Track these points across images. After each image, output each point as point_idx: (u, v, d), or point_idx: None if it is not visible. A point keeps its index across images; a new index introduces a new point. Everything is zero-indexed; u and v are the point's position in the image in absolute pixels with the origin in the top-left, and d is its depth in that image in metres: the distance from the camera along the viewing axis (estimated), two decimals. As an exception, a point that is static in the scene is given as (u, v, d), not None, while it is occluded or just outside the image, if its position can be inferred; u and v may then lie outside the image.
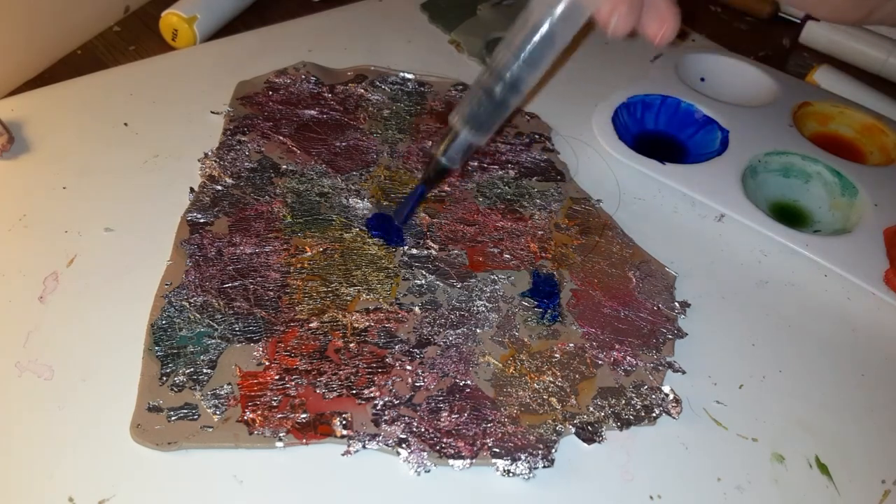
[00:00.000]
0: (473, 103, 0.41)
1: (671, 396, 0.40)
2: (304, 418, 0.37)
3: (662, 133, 0.58)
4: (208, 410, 0.37)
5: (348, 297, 0.43)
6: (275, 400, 0.38)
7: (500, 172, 0.52)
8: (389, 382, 0.39)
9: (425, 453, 0.37)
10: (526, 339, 0.42)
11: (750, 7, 0.74)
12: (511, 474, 0.37)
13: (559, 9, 0.37)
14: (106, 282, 0.43)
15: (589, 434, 0.39)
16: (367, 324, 0.42)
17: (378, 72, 0.59)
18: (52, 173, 0.49)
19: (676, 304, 0.45)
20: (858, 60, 0.68)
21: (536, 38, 0.38)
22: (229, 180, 0.49)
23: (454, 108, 0.43)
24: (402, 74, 0.59)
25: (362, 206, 0.48)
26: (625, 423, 0.39)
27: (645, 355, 0.42)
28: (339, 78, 0.58)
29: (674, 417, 0.40)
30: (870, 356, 0.45)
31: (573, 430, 0.39)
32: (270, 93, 0.56)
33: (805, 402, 0.42)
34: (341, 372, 0.39)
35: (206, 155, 0.50)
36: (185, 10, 0.61)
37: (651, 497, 0.37)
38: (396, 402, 0.38)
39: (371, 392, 0.39)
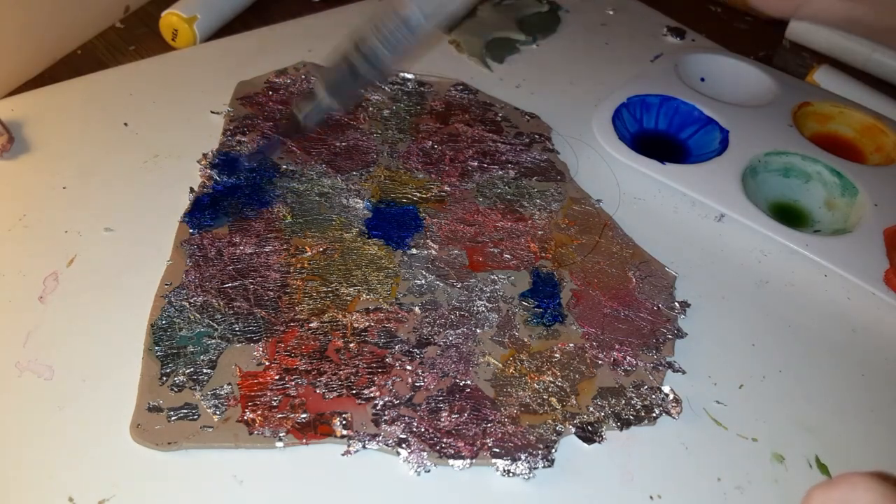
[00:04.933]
0: (339, 77, 0.44)
1: (671, 396, 0.40)
2: (304, 418, 0.37)
3: (662, 133, 0.58)
4: (208, 410, 0.37)
5: (348, 297, 0.43)
6: (275, 400, 0.38)
7: (500, 172, 0.52)
8: (389, 382, 0.39)
9: (425, 453, 0.37)
10: (526, 339, 0.42)
11: (750, 7, 0.74)
12: (511, 474, 0.37)
13: (426, 9, 0.41)
14: (106, 282, 0.43)
15: (589, 434, 0.39)
16: (367, 324, 0.42)
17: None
18: (52, 173, 0.49)
19: (676, 304, 0.45)
20: (858, 61, 0.68)
21: (404, 30, 0.42)
22: (229, 180, 0.49)
23: (319, 73, 0.46)
24: (402, 74, 0.59)
25: (362, 206, 0.48)
26: (625, 423, 0.39)
27: (645, 355, 0.42)
28: (339, 78, 0.58)
29: (674, 417, 0.40)
30: (870, 356, 0.45)
31: (573, 430, 0.39)
32: (270, 93, 0.56)
33: (805, 401, 0.42)
34: (341, 372, 0.39)
35: (204, 155, 0.50)
36: (185, 10, 0.61)
37: (651, 497, 0.37)
38: (396, 402, 0.38)
39: (371, 392, 0.39)
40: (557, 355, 0.42)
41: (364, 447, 0.37)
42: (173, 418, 0.37)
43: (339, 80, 0.44)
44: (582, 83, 0.62)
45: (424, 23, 0.41)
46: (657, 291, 0.46)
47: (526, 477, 0.37)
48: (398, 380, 0.39)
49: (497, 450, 0.37)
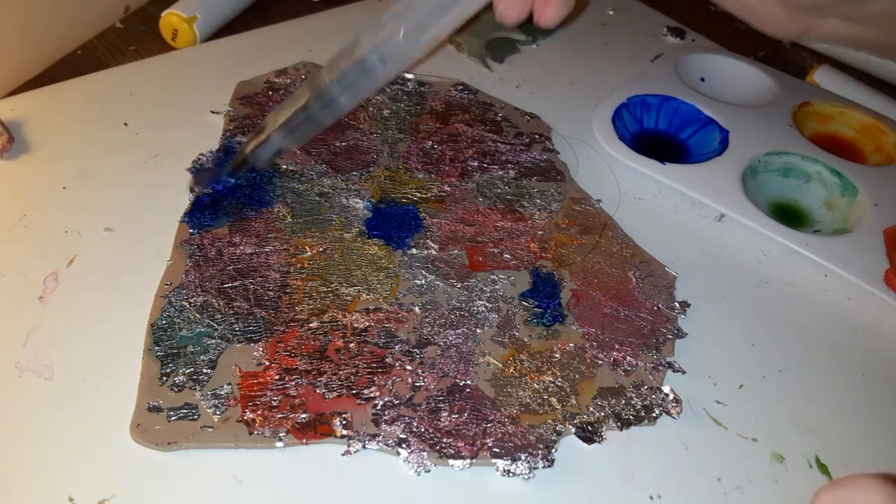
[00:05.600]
0: (292, 115, 0.43)
1: (671, 396, 0.40)
2: (304, 418, 0.37)
3: (662, 133, 0.58)
4: (208, 410, 0.37)
5: (348, 297, 0.43)
6: (275, 400, 0.38)
7: (500, 172, 0.52)
8: (389, 382, 0.39)
9: (425, 453, 0.37)
10: (526, 340, 0.42)
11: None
12: (511, 474, 0.37)
13: (382, 51, 0.39)
14: (106, 282, 0.43)
15: (589, 434, 0.39)
16: (367, 324, 0.42)
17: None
18: (52, 173, 0.49)
19: (676, 304, 0.45)
20: (858, 61, 0.68)
21: (359, 73, 0.40)
22: (229, 180, 0.49)
23: (272, 110, 0.44)
24: (402, 74, 0.59)
25: (362, 206, 0.48)
26: (625, 423, 0.39)
27: (645, 355, 0.42)
28: (339, 78, 0.58)
29: (674, 417, 0.40)
30: (870, 356, 0.45)
31: (573, 430, 0.39)
32: (270, 93, 0.56)
33: (805, 401, 0.42)
34: (341, 372, 0.39)
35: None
36: (185, 10, 0.61)
37: (651, 497, 0.37)
38: (396, 402, 0.38)
39: (371, 392, 0.39)
40: (557, 355, 0.42)
41: (364, 447, 0.37)
42: (173, 418, 0.37)
43: (293, 120, 0.43)
44: (582, 83, 0.62)
45: (381, 66, 0.39)
46: (657, 291, 0.46)
47: (526, 477, 0.37)
48: (398, 380, 0.39)
49: (497, 450, 0.37)
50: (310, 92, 0.42)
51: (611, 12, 0.71)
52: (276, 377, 0.39)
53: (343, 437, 0.37)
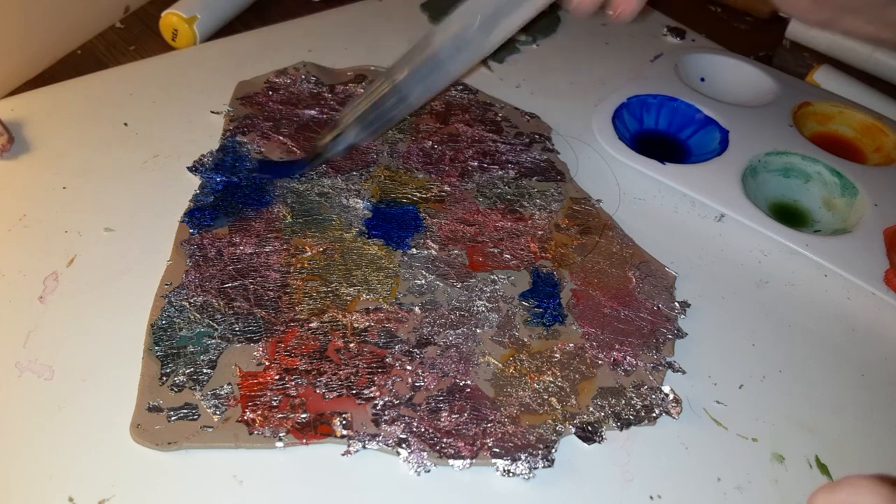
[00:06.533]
0: (367, 110, 0.45)
1: (671, 396, 0.40)
2: (304, 418, 0.37)
3: (662, 133, 0.58)
4: (208, 410, 0.37)
5: (348, 297, 0.43)
6: (275, 400, 0.38)
7: (500, 172, 0.52)
8: (389, 382, 0.39)
9: (425, 453, 0.37)
10: (526, 339, 0.42)
11: (750, 7, 0.74)
12: (511, 474, 0.37)
13: (454, 45, 0.40)
14: (106, 282, 0.43)
15: (589, 434, 0.39)
16: (367, 324, 0.42)
17: (378, 72, 0.59)
18: (52, 173, 0.49)
19: (676, 304, 0.45)
20: (858, 61, 0.68)
21: (431, 68, 0.41)
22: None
23: (348, 104, 0.47)
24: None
25: (362, 206, 0.48)
26: (625, 423, 0.39)
27: (645, 355, 0.42)
28: (339, 78, 0.58)
29: (674, 417, 0.40)
30: (870, 356, 0.45)
31: (573, 430, 0.39)
32: (270, 93, 0.56)
33: (805, 402, 0.42)
34: (341, 372, 0.39)
35: (202, 156, 0.50)
36: (185, 10, 0.61)
37: (651, 497, 0.37)
38: (396, 402, 0.38)
39: (371, 392, 0.39)
40: (557, 355, 0.42)
41: (364, 447, 0.37)
42: (173, 418, 0.37)
43: (368, 115, 0.45)
44: (582, 83, 0.62)
45: (452, 61, 0.40)
46: (657, 291, 0.46)
47: (526, 477, 0.37)
48: (398, 380, 0.39)
49: (497, 450, 0.37)
50: (386, 88, 0.43)
51: (611, 13, 0.71)
52: (276, 377, 0.39)
53: (343, 437, 0.37)
